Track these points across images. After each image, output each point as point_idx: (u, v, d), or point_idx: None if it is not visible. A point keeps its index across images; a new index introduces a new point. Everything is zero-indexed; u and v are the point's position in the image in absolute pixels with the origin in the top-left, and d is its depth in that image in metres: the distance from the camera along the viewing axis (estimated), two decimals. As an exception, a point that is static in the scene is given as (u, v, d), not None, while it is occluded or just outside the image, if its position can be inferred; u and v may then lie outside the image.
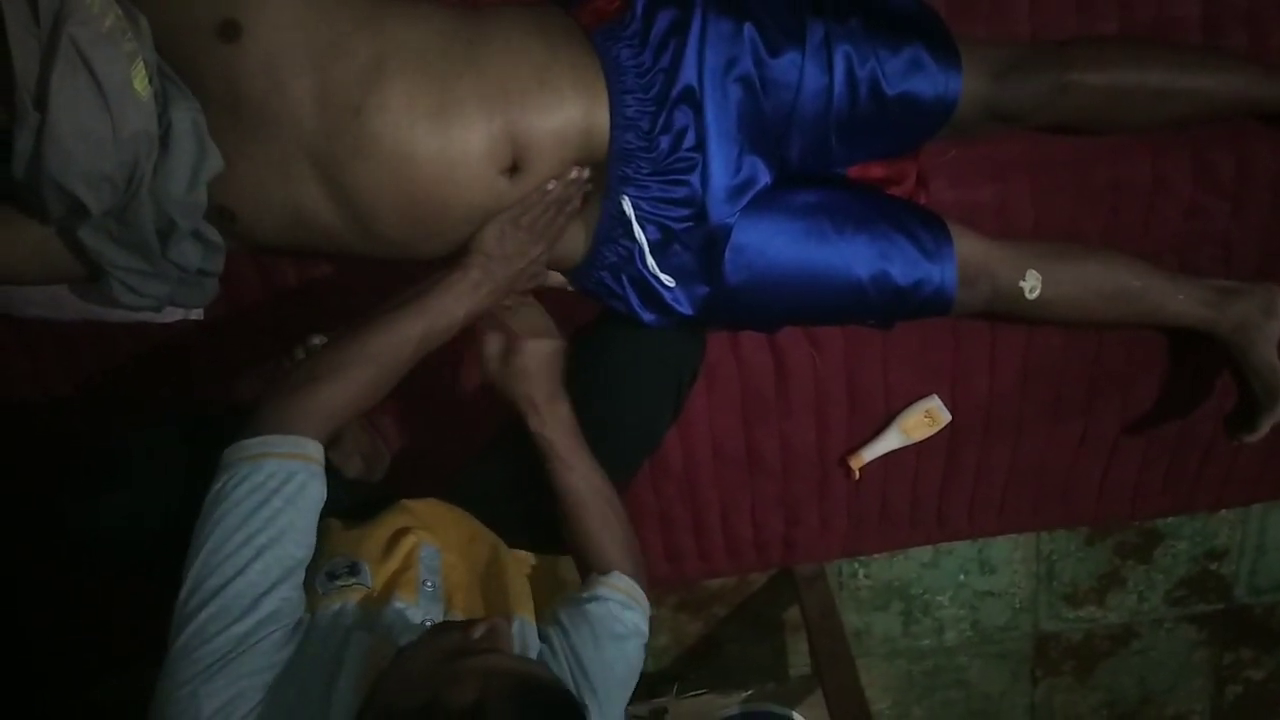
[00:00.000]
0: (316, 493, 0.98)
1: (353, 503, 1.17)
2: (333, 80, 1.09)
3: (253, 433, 0.98)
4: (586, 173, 1.19)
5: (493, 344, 1.20)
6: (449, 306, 1.14)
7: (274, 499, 0.93)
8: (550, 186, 1.17)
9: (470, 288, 1.16)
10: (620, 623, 1.08)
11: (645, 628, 1.11)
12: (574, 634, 1.04)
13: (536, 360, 1.18)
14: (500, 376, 1.19)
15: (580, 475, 1.18)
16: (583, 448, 1.19)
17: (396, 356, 1.10)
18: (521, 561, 1.18)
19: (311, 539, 0.97)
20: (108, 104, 0.99)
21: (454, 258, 1.19)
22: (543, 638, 1.04)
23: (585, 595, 1.10)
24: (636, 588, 1.13)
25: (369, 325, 1.10)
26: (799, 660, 2.06)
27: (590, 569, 1.16)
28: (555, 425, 1.18)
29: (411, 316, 1.11)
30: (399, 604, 0.96)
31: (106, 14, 1.00)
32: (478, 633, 0.82)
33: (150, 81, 1.04)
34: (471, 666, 0.79)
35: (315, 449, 1.00)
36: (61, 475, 1.14)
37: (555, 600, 1.12)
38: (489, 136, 1.12)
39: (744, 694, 1.81)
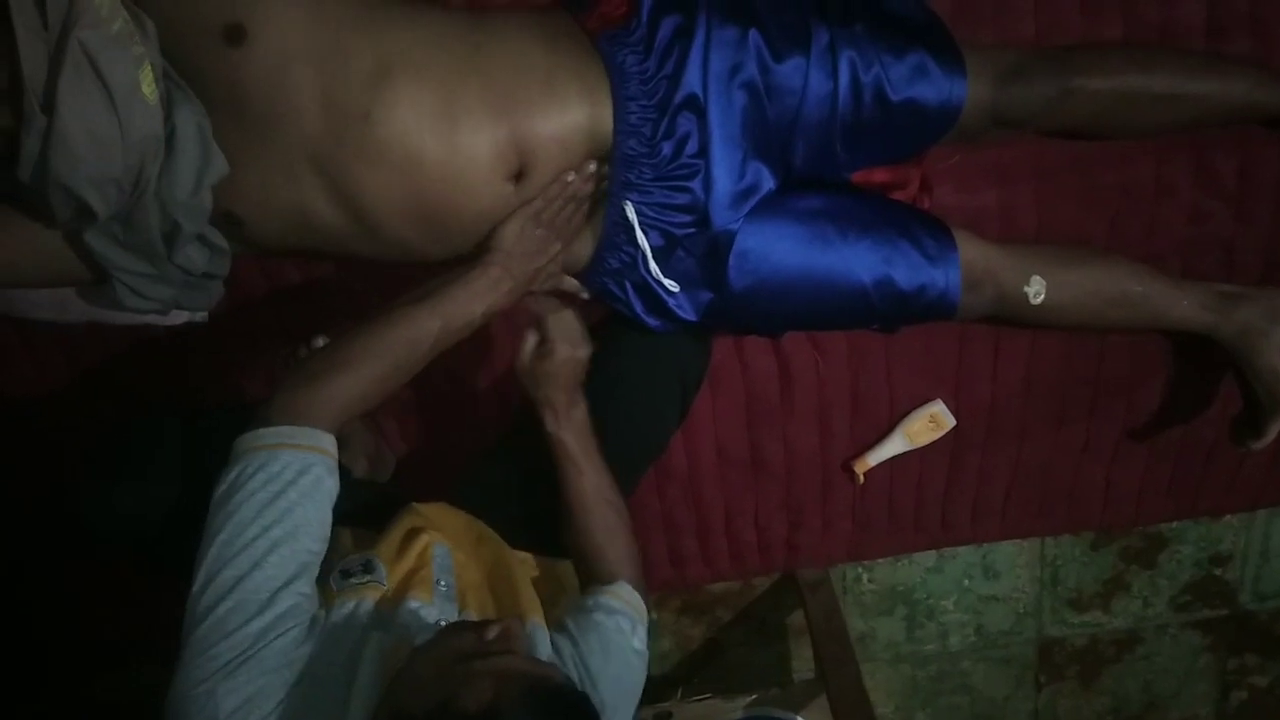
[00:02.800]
0: (331, 487, 0.97)
1: (358, 504, 1.17)
2: (338, 85, 1.09)
3: (267, 422, 0.97)
4: (604, 167, 1.19)
5: (530, 342, 1.20)
6: (467, 303, 1.14)
7: (290, 491, 0.92)
8: (570, 179, 1.17)
9: (489, 285, 1.16)
10: (626, 637, 1.08)
11: (646, 643, 1.12)
12: (582, 644, 1.04)
13: (566, 366, 1.18)
14: (528, 375, 1.19)
15: (591, 480, 1.18)
16: (596, 454, 1.20)
17: (413, 352, 1.09)
18: (524, 564, 1.18)
19: (326, 533, 0.97)
20: (116, 108, 0.99)
21: (460, 261, 1.19)
22: (553, 646, 1.04)
23: (591, 604, 1.10)
24: (640, 601, 1.14)
25: (386, 319, 1.09)
26: (803, 665, 2.05)
27: (594, 576, 1.16)
28: (571, 428, 1.19)
29: (429, 312, 1.11)
30: (414, 603, 0.96)
31: (115, 18, 1.00)
32: (492, 633, 0.82)
33: (157, 85, 1.04)
34: (486, 668, 0.78)
35: (330, 442, 0.99)
36: (75, 467, 1.14)
37: (560, 606, 1.12)
38: (495, 142, 1.12)
39: (748, 698, 1.81)
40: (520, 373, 1.20)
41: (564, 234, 1.21)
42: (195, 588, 0.88)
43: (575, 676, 1.01)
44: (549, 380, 1.18)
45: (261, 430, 0.96)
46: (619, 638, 1.07)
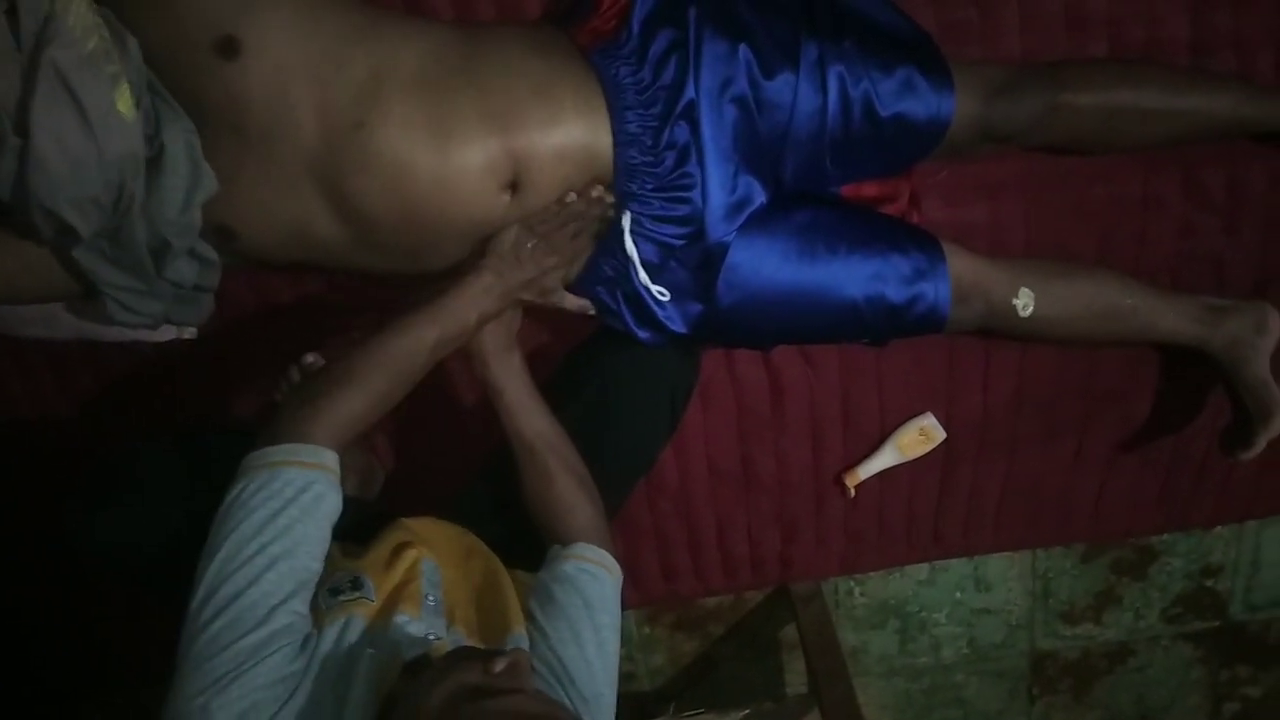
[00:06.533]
0: (333, 504, 0.98)
1: (348, 521, 1.16)
2: (333, 95, 1.09)
3: (271, 440, 0.98)
4: (610, 197, 1.20)
5: None
6: (462, 310, 1.14)
7: (290, 508, 0.93)
8: (570, 199, 1.18)
9: (483, 290, 1.16)
10: (590, 604, 1.05)
11: (616, 595, 1.10)
12: (552, 634, 1.03)
13: (504, 298, 1.18)
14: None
15: (528, 423, 1.18)
16: (536, 399, 1.20)
17: (412, 362, 1.10)
18: (518, 581, 1.18)
19: (325, 551, 0.97)
20: (91, 127, 0.99)
21: (458, 270, 1.19)
22: (533, 650, 1.03)
23: (548, 577, 1.08)
24: (602, 554, 1.11)
25: (383, 332, 1.10)
26: (796, 679, 2.05)
27: (553, 533, 1.15)
28: (506, 372, 1.19)
29: (425, 322, 1.12)
30: (402, 618, 0.96)
31: (90, 37, 1.00)
32: (499, 667, 0.80)
33: (137, 103, 1.04)
34: (496, 709, 0.77)
35: (332, 459, 1.00)
36: (65, 490, 1.14)
37: (525, 590, 1.10)
38: (487, 152, 1.13)
39: (741, 713, 1.81)
40: None
41: (561, 251, 1.21)
42: (194, 603, 0.88)
43: (555, 681, 1.00)
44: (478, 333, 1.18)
45: (266, 448, 0.97)
46: (583, 612, 1.04)
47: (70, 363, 1.54)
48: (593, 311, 1.30)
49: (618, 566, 1.13)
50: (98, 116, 0.99)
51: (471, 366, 1.21)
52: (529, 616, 1.06)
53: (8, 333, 1.37)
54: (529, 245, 1.18)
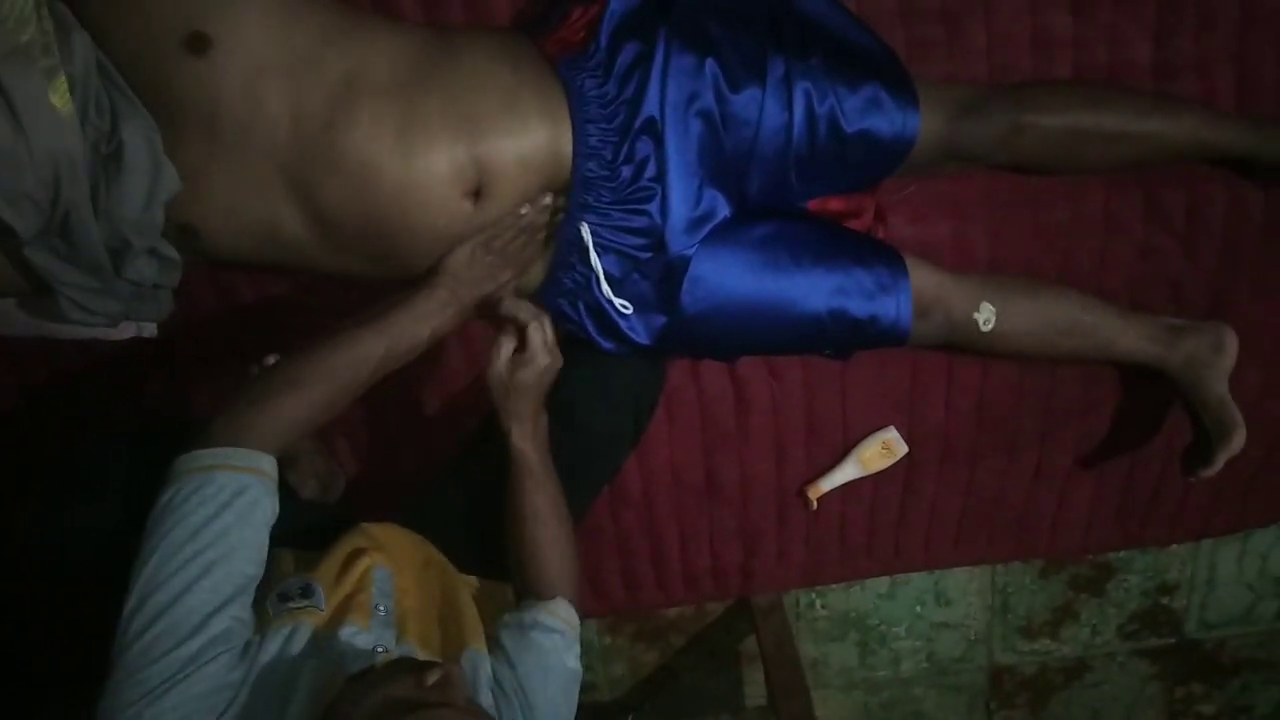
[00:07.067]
0: (269, 508, 0.96)
1: (307, 525, 1.15)
2: (305, 95, 1.09)
3: (205, 443, 0.96)
4: (560, 200, 1.20)
5: (505, 349, 1.18)
6: (413, 326, 1.14)
7: (225, 513, 0.91)
8: (524, 211, 1.18)
9: (436, 308, 1.16)
10: (562, 656, 1.08)
11: (580, 660, 1.12)
12: (519, 665, 1.04)
13: (539, 377, 1.17)
14: (500, 383, 1.17)
15: (547, 494, 1.18)
16: (552, 468, 1.20)
17: (356, 374, 1.09)
18: (471, 587, 1.17)
19: (263, 556, 0.95)
20: (19, 121, 0.97)
21: (421, 277, 1.19)
22: (492, 669, 1.03)
23: (529, 621, 1.10)
24: (576, 619, 1.14)
25: (331, 341, 1.08)
26: (755, 691, 2.05)
27: (533, 590, 1.15)
28: (536, 441, 1.18)
29: (374, 335, 1.10)
30: (350, 629, 0.94)
31: (24, 28, 0.98)
32: (431, 679, 0.79)
33: (80, 98, 1.02)
34: None
35: (269, 463, 0.98)
36: (20, 489, 1.12)
37: (497, 622, 1.11)
38: (453, 159, 1.12)
39: (699, 724, 1.81)
40: (493, 380, 1.18)
41: (515, 263, 1.21)
42: (127, 609, 0.87)
43: (516, 704, 1.00)
44: (521, 392, 1.17)
45: (199, 452, 0.95)
46: (555, 658, 1.07)
47: (26, 361, 1.51)
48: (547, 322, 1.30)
49: (578, 624, 1.14)
50: (26, 110, 0.97)
51: (504, 426, 1.19)
52: (498, 644, 1.06)
53: (-40, 330, 1.35)
54: (483, 262, 1.18)
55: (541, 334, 1.17)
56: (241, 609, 0.90)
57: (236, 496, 0.93)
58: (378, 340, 1.10)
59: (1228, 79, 1.44)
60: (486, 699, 0.99)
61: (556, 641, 1.08)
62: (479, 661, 1.02)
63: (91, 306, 1.15)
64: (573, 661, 1.10)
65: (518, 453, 1.18)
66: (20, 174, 0.99)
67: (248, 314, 1.48)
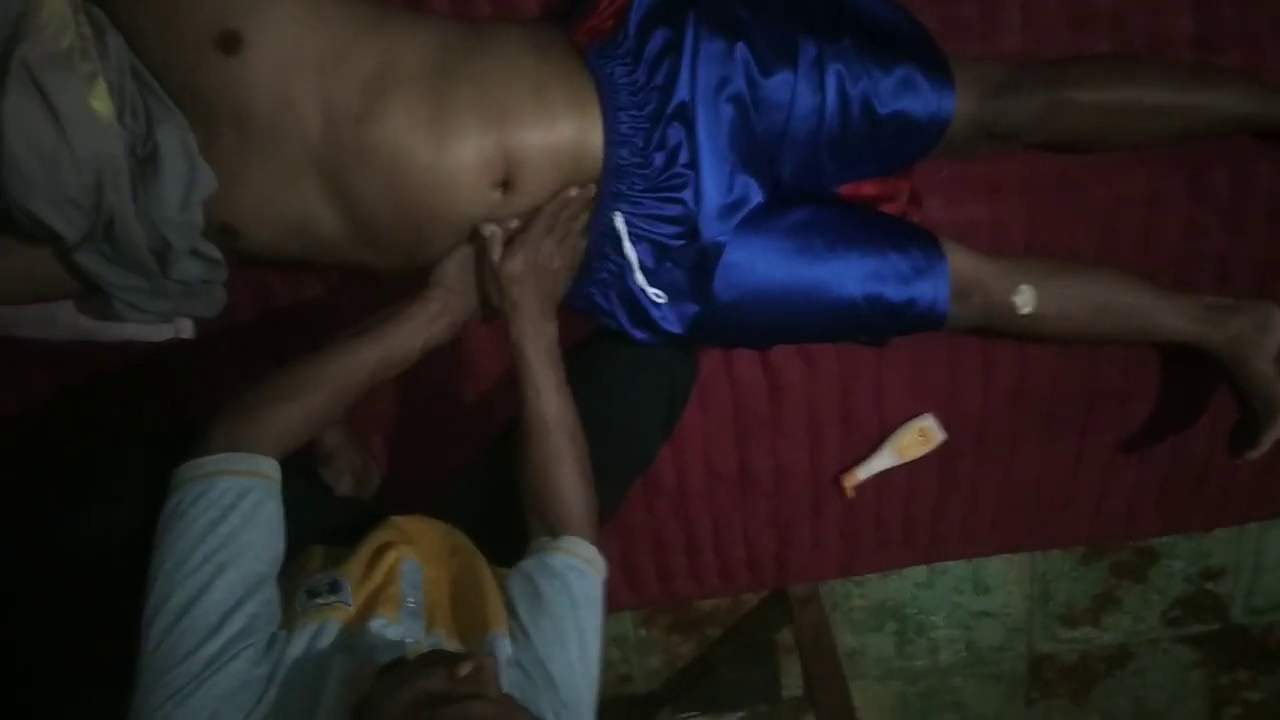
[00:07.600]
0: (273, 510, 0.97)
1: (341, 521, 1.15)
2: (337, 90, 1.09)
3: (205, 450, 0.98)
4: (591, 190, 1.19)
5: (497, 239, 1.17)
6: (406, 337, 1.16)
7: (231, 516, 0.93)
8: (514, 225, 1.17)
9: (428, 320, 1.17)
10: (576, 603, 1.04)
11: (602, 594, 1.08)
12: (535, 634, 1.01)
13: (541, 276, 1.17)
14: (502, 270, 1.17)
15: (549, 400, 1.16)
16: (561, 378, 1.18)
17: (351, 382, 1.11)
18: (500, 576, 1.16)
19: (273, 554, 0.96)
20: (63, 126, 0.98)
21: (408, 297, 1.19)
22: (515, 650, 1.01)
23: (536, 566, 1.07)
24: (592, 550, 1.10)
25: (327, 350, 1.11)
26: (792, 682, 2.04)
27: (544, 520, 1.13)
28: (536, 341, 1.17)
29: (369, 344, 1.13)
30: (379, 621, 0.95)
31: (63, 34, 0.99)
32: (463, 671, 0.79)
33: (118, 101, 1.03)
34: (453, 717, 0.76)
35: (270, 466, 0.99)
36: (51, 487, 1.13)
37: (508, 579, 1.08)
38: (482, 149, 1.12)
39: (736, 716, 1.81)
40: (493, 268, 1.17)
41: (568, 256, 1.21)
42: (146, 614, 0.88)
43: (537, 682, 0.98)
44: (520, 282, 1.17)
45: (200, 459, 0.97)
46: (569, 611, 1.03)
47: (65, 363, 1.52)
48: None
49: (604, 564, 1.12)
50: (70, 115, 0.98)
51: (507, 323, 1.19)
52: (512, 613, 1.04)
53: (2, 333, 1.35)
54: (474, 272, 1.18)
55: (540, 227, 1.16)
56: (258, 604, 0.91)
57: (240, 499, 0.94)
58: (372, 350, 1.13)
59: (1272, 49, 1.40)
60: (507, 679, 0.97)
61: (569, 582, 1.04)
62: (499, 643, 1.01)
63: (144, 306, 1.17)
64: (585, 600, 1.05)
65: (514, 351, 1.17)
66: (64, 179, 1.00)
67: (283, 315, 1.48)
